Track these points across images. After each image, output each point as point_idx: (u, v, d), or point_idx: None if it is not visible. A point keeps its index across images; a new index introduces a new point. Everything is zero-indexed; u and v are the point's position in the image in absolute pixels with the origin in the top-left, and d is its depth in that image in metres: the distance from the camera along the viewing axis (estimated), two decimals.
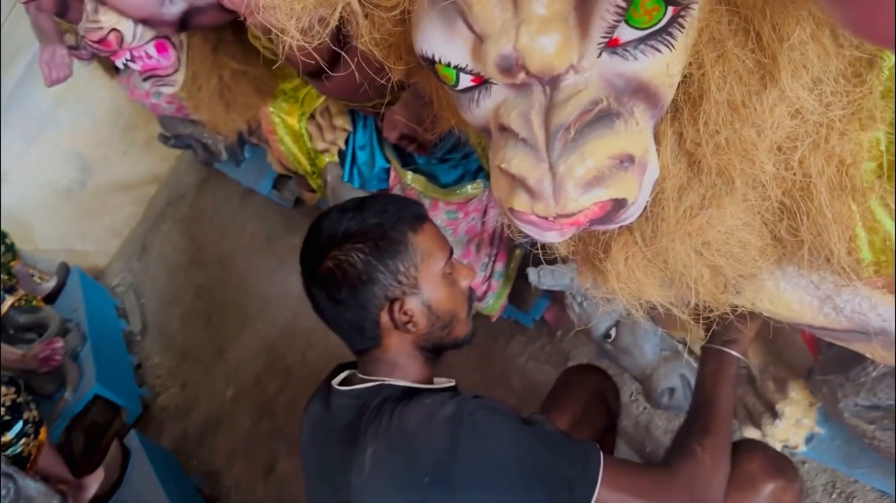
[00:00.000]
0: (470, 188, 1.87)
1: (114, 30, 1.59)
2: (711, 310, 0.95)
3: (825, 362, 1.37)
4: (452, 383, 1.25)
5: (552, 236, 0.72)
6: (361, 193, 1.93)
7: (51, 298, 3.76)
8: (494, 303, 2.11)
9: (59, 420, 3.03)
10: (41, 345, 3.05)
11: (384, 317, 1.13)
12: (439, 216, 1.92)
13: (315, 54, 1.19)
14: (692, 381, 1.45)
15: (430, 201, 1.92)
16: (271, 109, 2.08)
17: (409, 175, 1.92)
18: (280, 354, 3.11)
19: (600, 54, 0.63)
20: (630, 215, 0.71)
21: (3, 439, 2.39)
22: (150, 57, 1.74)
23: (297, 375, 2.97)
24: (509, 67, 0.63)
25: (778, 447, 1.59)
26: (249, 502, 2.74)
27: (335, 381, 1.21)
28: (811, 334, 1.35)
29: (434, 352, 1.20)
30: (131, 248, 4.47)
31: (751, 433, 1.63)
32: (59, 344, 3.09)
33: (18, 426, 2.44)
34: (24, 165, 4.00)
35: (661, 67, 0.65)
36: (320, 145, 2.10)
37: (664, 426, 1.97)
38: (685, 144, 0.77)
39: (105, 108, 4.12)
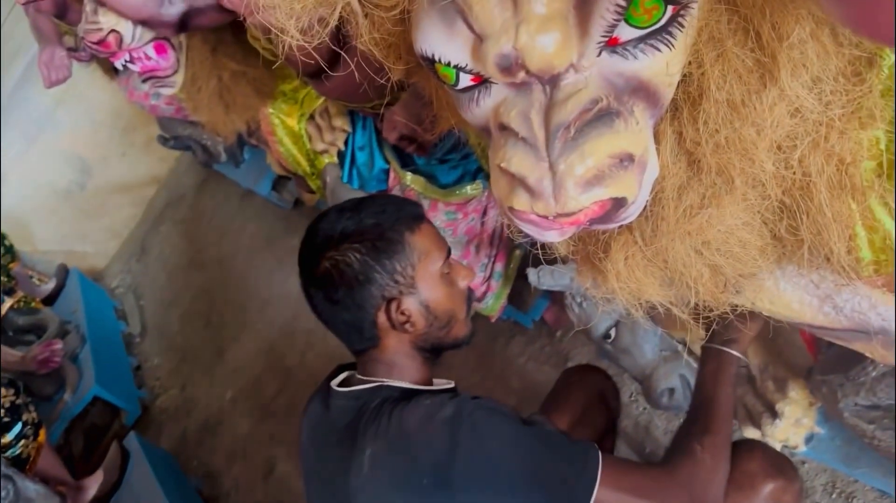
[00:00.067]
0: (469, 189, 1.87)
1: (113, 31, 1.59)
2: (711, 310, 0.95)
3: (825, 362, 1.37)
4: (452, 384, 1.24)
5: (552, 235, 0.72)
6: (361, 194, 1.92)
7: (50, 300, 3.75)
8: (494, 303, 2.11)
9: (58, 422, 3.02)
10: (40, 347, 3.05)
11: (381, 318, 1.13)
12: (439, 217, 1.92)
13: (315, 54, 1.19)
14: (692, 382, 1.45)
15: (429, 202, 1.92)
16: (271, 110, 2.08)
17: (409, 176, 1.92)
18: (279, 355, 3.11)
19: (600, 53, 0.63)
20: (630, 214, 0.71)
21: (3, 441, 2.39)
22: (149, 58, 1.74)
23: (296, 376, 2.96)
24: (509, 66, 0.63)
25: (778, 447, 1.59)
26: None
27: (334, 382, 1.21)
28: (811, 334, 1.35)
29: (433, 352, 1.20)
30: (130, 250, 4.46)
31: (750, 433, 1.63)
32: (59, 345, 3.09)
33: (17, 428, 2.43)
34: (23, 167, 4.00)
35: (661, 66, 0.65)
36: (319, 146, 2.10)
37: (664, 426, 1.97)
38: (685, 143, 0.77)
39: (104, 109, 4.11)
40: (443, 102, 0.95)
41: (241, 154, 3.46)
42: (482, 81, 0.69)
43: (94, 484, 2.63)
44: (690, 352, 1.54)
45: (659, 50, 0.64)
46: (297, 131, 2.11)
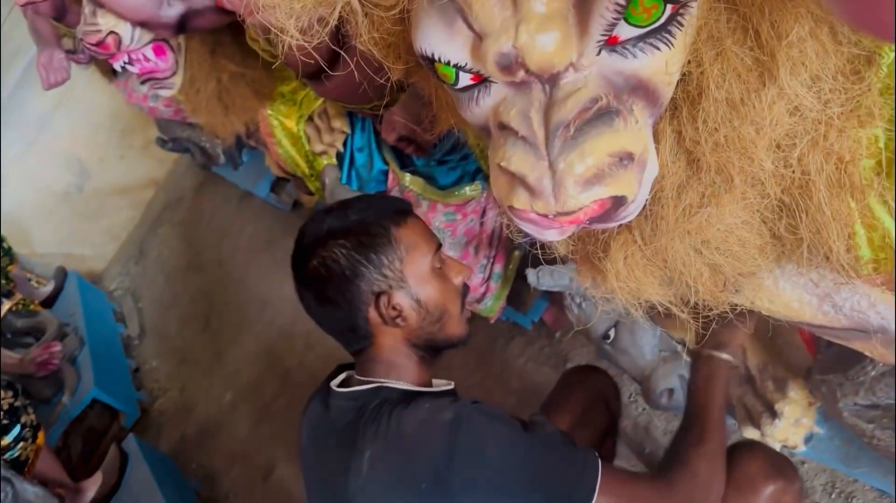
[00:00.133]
0: (468, 190, 1.87)
1: (112, 32, 1.59)
2: (711, 309, 0.95)
3: (824, 361, 1.38)
4: (451, 386, 1.24)
5: (552, 234, 0.72)
6: None
7: (48, 302, 3.75)
8: (493, 304, 2.11)
9: (56, 424, 3.02)
10: (39, 350, 3.05)
11: (372, 313, 1.13)
12: (438, 218, 1.92)
13: (314, 54, 1.20)
14: None
15: (428, 203, 1.92)
16: (269, 112, 2.08)
17: (408, 177, 1.92)
18: (278, 357, 3.11)
19: (599, 52, 0.63)
20: (629, 213, 0.71)
21: (2, 443, 2.38)
22: (148, 60, 1.75)
23: (295, 378, 2.96)
24: (509, 65, 0.63)
25: (777, 447, 1.59)
26: None
27: (334, 383, 1.21)
28: (810, 333, 1.35)
29: (429, 350, 1.19)
30: (129, 252, 4.46)
31: (750, 433, 1.62)
32: (57, 348, 3.09)
33: (16, 430, 2.43)
34: (21, 169, 4.00)
35: (660, 65, 0.65)
36: (318, 147, 2.10)
37: (663, 427, 1.97)
38: (684, 142, 0.77)
39: (102, 111, 4.11)
40: (442, 102, 0.95)
41: (239, 156, 3.46)
42: (482, 80, 0.69)
43: (92, 486, 2.62)
44: (690, 353, 1.54)
45: (658, 49, 0.64)
46: (295, 133, 2.11)
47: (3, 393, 2.47)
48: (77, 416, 3.08)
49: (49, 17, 2.19)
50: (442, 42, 0.67)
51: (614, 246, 0.91)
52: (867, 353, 1.03)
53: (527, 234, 0.75)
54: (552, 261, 1.21)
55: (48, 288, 3.82)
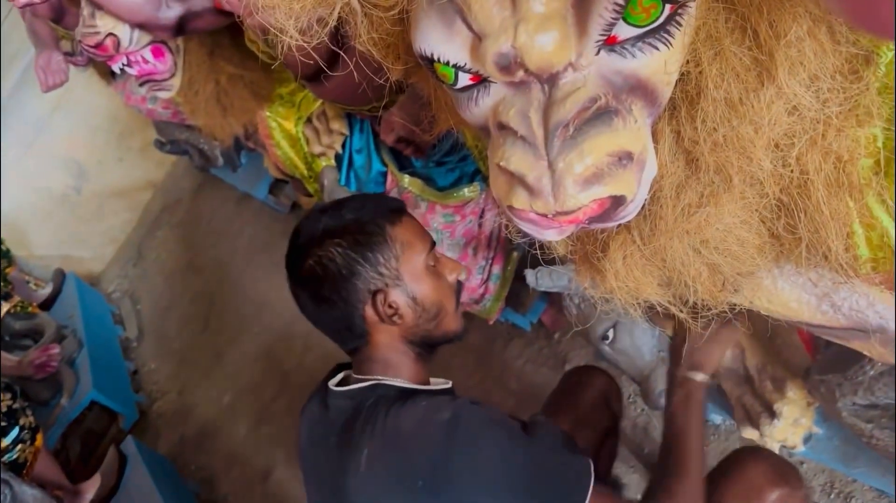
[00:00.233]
0: (467, 191, 1.88)
1: (110, 34, 1.59)
2: (709, 309, 0.95)
3: (823, 361, 1.38)
4: (449, 384, 1.25)
5: (551, 234, 0.72)
6: None
7: (47, 305, 3.74)
8: (492, 305, 2.11)
9: (55, 426, 3.01)
10: (37, 352, 3.04)
11: (369, 312, 1.13)
12: (436, 219, 1.92)
13: (314, 54, 1.20)
14: None
15: (426, 204, 1.92)
16: (268, 114, 2.08)
17: (406, 178, 1.92)
18: (277, 359, 3.10)
19: (598, 52, 0.63)
20: (628, 213, 0.71)
21: (0, 445, 2.38)
22: (146, 61, 1.75)
23: (294, 380, 2.96)
24: (508, 65, 0.64)
25: (776, 447, 1.59)
26: None
27: (332, 382, 1.22)
28: (809, 333, 1.35)
29: (424, 347, 1.20)
30: (127, 254, 4.45)
31: (749, 433, 1.63)
32: (56, 350, 3.08)
33: (15, 432, 2.43)
34: (19, 171, 3.99)
35: (659, 65, 0.65)
36: (317, 149, 2.11)
37: (662, 428, 1.97)
38: (683, 142, 0.77)
39: (101, 114, 4.11)
40: (441, 103, 0.95)
41: (238, 158, 3.46)
42: (481, 80, 0.69)
43: (91, 488, 2.62)
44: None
45: (657, 48, 0.64)
46: (294, 134, 2.11)
47: (1, 395, 2.47)
48: (75, 418, 3.07)
49: (47, 19, 2.19)
50: (441, 42, 0.67)
51: (613, 246, 0.91)
52: (866, 353, 1.03)
53: (526, 234, 0.75)
54: (551, 262, 1.22)
55: (46, 290, 3.81)
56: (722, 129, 0.73)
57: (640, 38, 0.63)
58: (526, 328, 2.35)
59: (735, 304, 1.00)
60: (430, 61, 0.70)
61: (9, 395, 2.50)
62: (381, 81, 0.88)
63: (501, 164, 0.67)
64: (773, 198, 0.80)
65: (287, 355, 3.07)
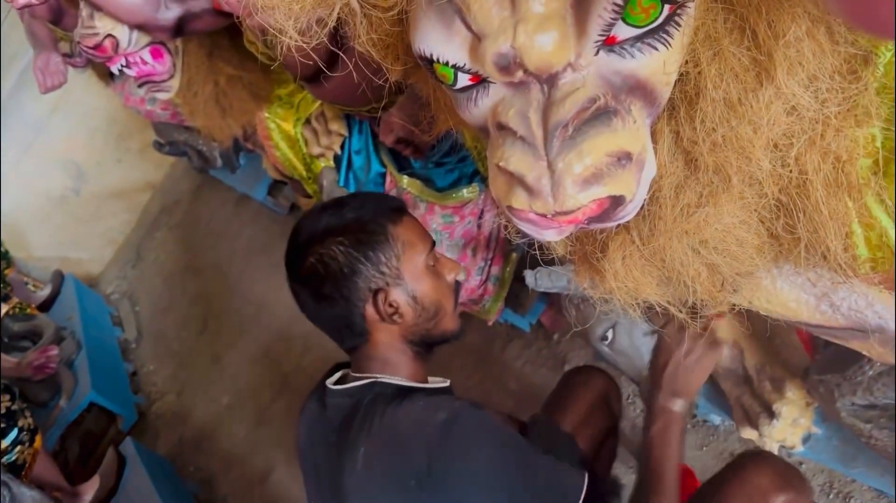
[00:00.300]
0: (466, 192, 1.88)
1: (109, 35, 1.59)
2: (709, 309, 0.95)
3: (822, 361, 1.38)
4: (447, 383, 1.25)
5: (551, 234, 0.72)
6: None
7: (45, 306, 3.73)
8: (491, 306, 2.11)
9: (54, 428, 3.01)
10: (36, 353, 3.04)
11: (370, 310, 1.13)
12: (435, 220, 1.92)
13: (313, 55, 1.20)
14: None
15: (425, 205, 1.92)
16: (267, 115, 2.08)
17: (405, 179, 1.92)
18: (276, 361, 3.10)
19: (597, 52, 0.63)
20: (628, 213, 0.71)
21: None
22: (145, 63, 1.74)
23: (293, 382, 2.96)
24: (507, 66, 0.64)
25: (775, 447, 1.59)
26: None
27: (330, 380, 1.22)
28: (808, 333, 1.35)
29: (423, 346, 1.20)
30: (126, 256, 4.45)
31: (748, 433, 1.63)
32: (54, 351, 3.08)
33: (13, 434, 2.42)
34: (18, 173, 3.99)
35: (658, 65, 0.65)
36: (316, 150, 2.11)
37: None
38: (682, 142, 0.77)
39: (99, 115, 4.11)
40: (440, 103, 0.95)
41: (236, 159, 3.45)
42: (480, 81, 0.69)
43: (90, 489, 2.62)
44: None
45: (656, 49, 0.64)
46: (293, 135, 2.11)
47: (0, 396, 2.47)
48: (74, 420, 3.07)
49: (46, 21, 2.19)
50: (440, 43, 0.67)
51: (612, 246, 0.91)
52: (865, 353, 1.03)
53: (525, 235, 0.75)
54: (550, 263, 1.22)
55: (45, 291, 3.81)
56: (721, 130, 0.73)
57: (639, 38, 0.63)
58: (525, 329, 2.35)
59: (734, 304, 1.00)
60: (430, 62, 0.70)
61: (7, 397, 2.49)
62: (381, 82, 0.88)
63: (501, 164, 0.67)
64: (771, 198, 0.80)
65: (286, 356, 3.07)
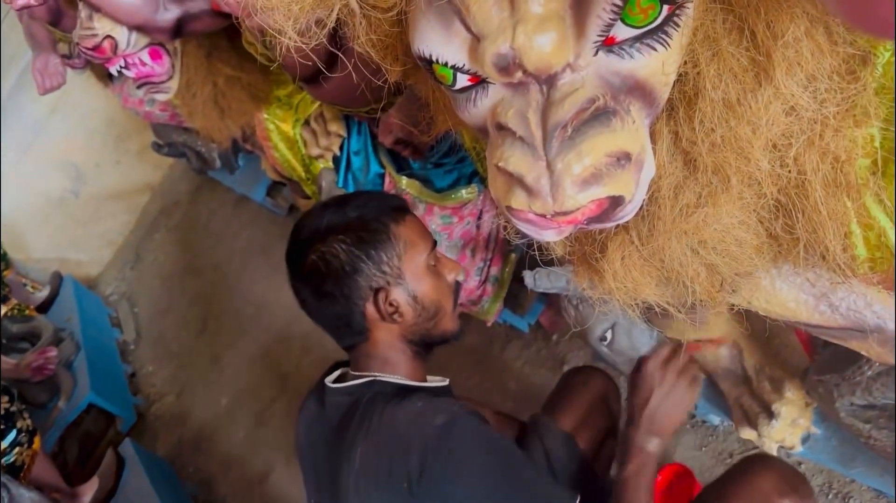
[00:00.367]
0: (465, 192, 1.88)
1: (108, 37, 1.59)
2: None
3: (821, 362, 1.38)
4: (446, 382, 1.25)
5: (550, 234, 0.72)
6: None
7: (44, 308, 3.73)
8: (490, 307, 2.11)
9: (52, 429, 3.01)
10: (34, 355, 3.04)
11: (370, 309, 1.14)
12: (434, 221, 1.92)
13: (312, 56, 1.20)
14: None
15: (424, 206, 1.92)
16: (265, 116, 2.08)
17: (404, 180, 1.92)
18: (275, 362, 3.10)
19: (597, 53, 0.63)
20: (627, 213, 0.71)
21: None
22: (144, 64, 1.74)
23: (292, 383, 2.96)
24: (506, 66, 0.64)
25: (774, 447, 1.59)
26: None
27: (329, 379, 1.22)
28: (807, 333, 1.35)
29: (423, 346, 1.20)
30: (125, 257, 4.45)
31: (747, 434, 1.63)
32: (53, 353, 3.08)
33: (12, 435, 2.42)
34: (17, 174, 3.98)
35: (657, 66, 0.65)
36: (315, 151, 2.11)
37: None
38: (681, 143, 0.77)
39: (98, 117, 4.10)
40: (439, 104, 0.95)
41: (235, 160, 3.46)
42: (479, 81, 0.69)
43: (89, 491, 2.62)
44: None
45: (655, 49, 0.64)
46: (292, 136, 2.11)
47: None
48: (73, 421, 3.07)
49: (45, 22, 2.19)
50: (439, 43, 0.67)
51: (611, 246, 0.91)
52: (864, 353, 1.03)
53: (524, 235, 0.75)
54: (549, 263, 1.22)
55: (43, 293, 3.81)
56: (720, 130, 0.73)
57: (638, 38, 0.63)
58: (524, 329, 2.36)
59: (733, 305, 1.00)
60: (429, 62, 0.70)
61: (6, 398, 2.49)
62: (380, 83, 0.88)
63: (500, 164, 0.67)
64: (770, 198, 0.80)
65: (285, 357, 3.07)
